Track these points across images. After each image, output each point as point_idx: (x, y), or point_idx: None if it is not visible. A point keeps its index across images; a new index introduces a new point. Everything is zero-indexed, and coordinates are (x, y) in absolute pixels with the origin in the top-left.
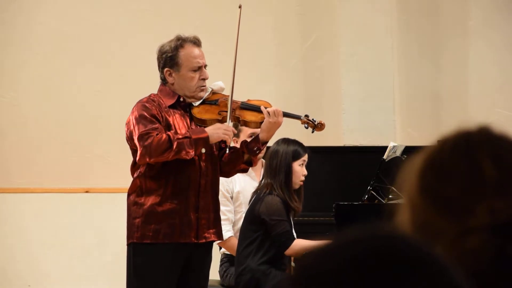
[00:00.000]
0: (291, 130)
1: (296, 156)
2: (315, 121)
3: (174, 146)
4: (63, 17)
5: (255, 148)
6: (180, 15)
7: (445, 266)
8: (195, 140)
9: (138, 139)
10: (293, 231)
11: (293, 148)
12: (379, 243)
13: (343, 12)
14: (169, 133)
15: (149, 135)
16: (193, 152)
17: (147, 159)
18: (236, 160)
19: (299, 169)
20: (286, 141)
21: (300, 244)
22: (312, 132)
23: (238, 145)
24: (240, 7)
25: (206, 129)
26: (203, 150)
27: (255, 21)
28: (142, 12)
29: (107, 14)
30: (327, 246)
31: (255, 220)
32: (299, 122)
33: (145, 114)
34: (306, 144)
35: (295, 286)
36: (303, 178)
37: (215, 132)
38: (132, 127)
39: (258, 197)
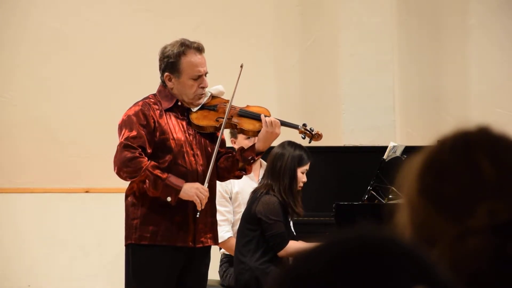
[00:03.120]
0: (291, 130)
1: (300, 163)
2: (312, 131)
3: (142, 174)
4: (62, 17)
5: (250, 158)
6: (180, 15)
7: (430, 263)
8: (165, 184)
9: (119, 145)
10: (293, 232)
11: (299, 153)
12: (359, 243)
13: (343, 12)
14: (149, 163)
15: (130, 149)
16: (156, 193)
17: (115, 169)
18: (231, 168)
19: (300, 176)
20: (292, 145)
21: (293, 246)
22: (309, 142)
23: (236, 146)
24: (241, 66)
25: (185, 184)
26: (169, 199)
27: (255, 21)
28: (142, 12)
29: (107, 14)
30: (311, 248)
31: (252, 219)
32: (300, 119)
33: (135, 120)
34: (305, 144)
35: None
36: (301, 184)
37: (189, 190)
38: (118, 129)
39: (255, 196)
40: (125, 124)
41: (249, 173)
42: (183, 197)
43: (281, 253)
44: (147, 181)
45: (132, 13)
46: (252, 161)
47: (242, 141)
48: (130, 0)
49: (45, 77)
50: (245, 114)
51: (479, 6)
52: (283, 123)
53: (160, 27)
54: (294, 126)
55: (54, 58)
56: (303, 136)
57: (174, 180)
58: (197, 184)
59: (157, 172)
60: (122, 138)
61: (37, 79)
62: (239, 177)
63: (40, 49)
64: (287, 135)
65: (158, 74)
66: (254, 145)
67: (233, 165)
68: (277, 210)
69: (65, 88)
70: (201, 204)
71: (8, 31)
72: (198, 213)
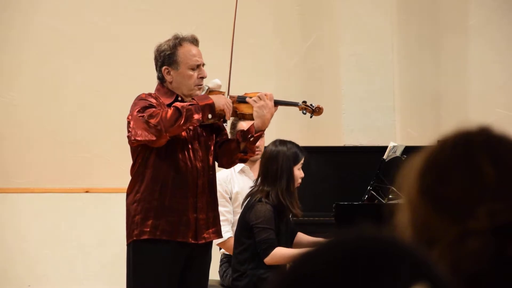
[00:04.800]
0: (290, 130)
1: (296, 160)
2: (313, 106)
3: (184, 113)
4: (63, 17)
5: (249, 136)
6: (180, 15)
7: (429, 262)
8: (201, 107)
9: (148, 118)
10: (292, 229)
11: (293, 150)
12: (359, 244)
13: (343, 12)
14: (174, 105)
15: (155, 113)
16: (201, 117)
17: (163, 134)
18: (232, 151)
19: (298, 173)
20: (283, 142)
21: (280, 252)
22: (311, 117)
23: None
24: None
25: (212, 97)
26: (210, 116)
27: (255, 21)
28: (142, 12)
29: (107, 14)
30: (312, 249)
31: (246, 227)
32: (300, 119)
33: (145, 104)
34: (305, 144)
35: (284, 286)
36: (300, 180)
37: (219, 101)
38: (135, 120)
39: (249, 203)
40: (137, 104)
41: (254, 154)
42: (217, 108)
43: (267, 259)
44: (185, 116)
45: (132, 13)
46: (251, 138)
47: None
48: (130, 0)
49: (46, 77)
50: (243, 100)
51: (479, 7)
52: (282, 103)
53: (160, 27)
54: (294, 104)
55: (55, 59)
56: (304, 111)
57: (201, 98)
58: (222, 96)
59: (185, 104)
60: (145, 117)
61: (38, 79)
62: (243, 160)
63: (41, 50)
64: (285, 126)
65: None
66: (253, 124)
67: (234, 148)
68: (268, 218)
69: (65, 88)
70: (229, 114)
71: (8, 31)
72: (226, 123)
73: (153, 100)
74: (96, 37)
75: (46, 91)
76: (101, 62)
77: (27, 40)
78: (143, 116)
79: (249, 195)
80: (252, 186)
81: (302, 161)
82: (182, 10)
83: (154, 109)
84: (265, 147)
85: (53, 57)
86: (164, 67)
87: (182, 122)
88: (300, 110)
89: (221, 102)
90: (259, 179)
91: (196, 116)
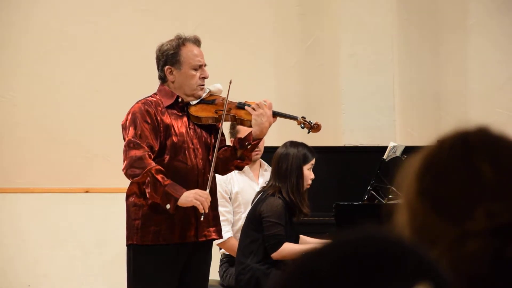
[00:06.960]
0: (290, 130)
1: (305, 160)
2: (311, 123)
3: (149, 179)
4: (63, 17)
5: (246, 143)
6: (180, 15)
7: (432, 261)
8: (165, 192)
9: (127, 144)
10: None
11: (303, 152)
12: (364, 244)
13: (343, 12)
14: (153, 166)
15: (138, 147)
16: (156, 199)
17: (123, 168)
18: (229, 158)
19: (308, 173)
20: (294, 144)
21: (288, 248)
22: (308, 132)
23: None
24: (230, 82)
25: (185, 192)
26: (168, 207)
27: (255, 21)
28: (142, 12)
29: (107, 14)
30: (317, 248)
31: (256, 220)
32: (296, 122)
33: (139, 117)
34: (304, 135)
35: (288, 284)
36: (310, 181)
37: (187, 196)
38: (123, 129)
39: (261, 197)
40: (130, 123)
41: (250, 162)
42: (182, 204)
43: (275, 255)
44: (147, 181)
45: (132, 13)
46: (248, 146)
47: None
48: (130, 0)
49: (46, 77)
50: (243, 106)
51: (479, 6)
52: (282, 115)
53: (160, 27)
54: (293, 117)
55: (55, 58)
56: (302, 126)
57: (175, 188)
58: (196, 190)
59: (159, 176)
60: (128, 136)
61: (38, 79)
62: (239, 167)
63: (41, 49)
64: (285, 126)
65: (157, 74)
66: (251, 132)
67: (231, 155)
68: (279, 213)
69: (65, 88)
70: (203, 206)
71: (9, 31)
72: (202, 216)
73: (147, 116)
74: (96, 37)
75: (46, 91)
76: (101, 62)
77: (27, 39)
78: (128, 142)
79: (261, 191)
80: (264, 186)
81: (312, 162)
82: (182, 10)
83: (142, 134)
84: (276, 147)
85: (53, 57)
86: (166, 67)
87: (136, 179)
88: (298, 124)
89: (189, 197)
90: (271, 177)
91: (156, 195)
